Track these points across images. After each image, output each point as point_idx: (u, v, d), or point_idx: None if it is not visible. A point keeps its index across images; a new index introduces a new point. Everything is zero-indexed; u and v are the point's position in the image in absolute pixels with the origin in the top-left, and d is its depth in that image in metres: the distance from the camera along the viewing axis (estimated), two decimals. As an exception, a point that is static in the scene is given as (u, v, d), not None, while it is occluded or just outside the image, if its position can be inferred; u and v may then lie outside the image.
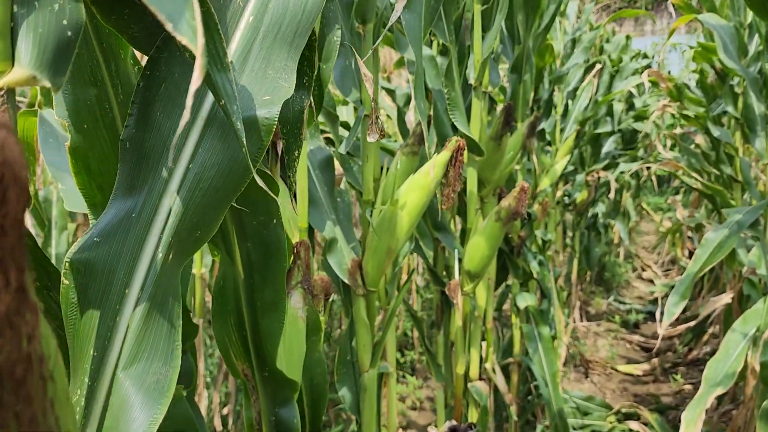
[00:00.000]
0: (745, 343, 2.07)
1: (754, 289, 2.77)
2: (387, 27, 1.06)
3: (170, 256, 0.63)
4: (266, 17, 0.68)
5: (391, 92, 2.47)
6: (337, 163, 1.69)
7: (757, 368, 2.01)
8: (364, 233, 1.37)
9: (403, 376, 4.44)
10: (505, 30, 2.92)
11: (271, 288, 0.86)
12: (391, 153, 2.06)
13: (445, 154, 1.32)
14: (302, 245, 1.05)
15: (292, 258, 1.05)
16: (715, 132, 3.55)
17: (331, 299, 1.34)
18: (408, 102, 2.52)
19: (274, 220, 0.83)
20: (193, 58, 0.46)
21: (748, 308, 3.45)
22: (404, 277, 3.93)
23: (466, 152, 1.42)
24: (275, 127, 0.65)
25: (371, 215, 1.35)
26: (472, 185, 1.65)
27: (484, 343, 2.58)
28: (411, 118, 1.91)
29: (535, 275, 3.11)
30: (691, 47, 4.86)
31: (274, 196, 0.73)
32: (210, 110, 0.66)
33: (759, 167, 4.08)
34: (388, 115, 2.97)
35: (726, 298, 2.97)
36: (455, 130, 2.55)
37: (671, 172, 3.86)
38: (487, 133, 1.93)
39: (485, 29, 1.63)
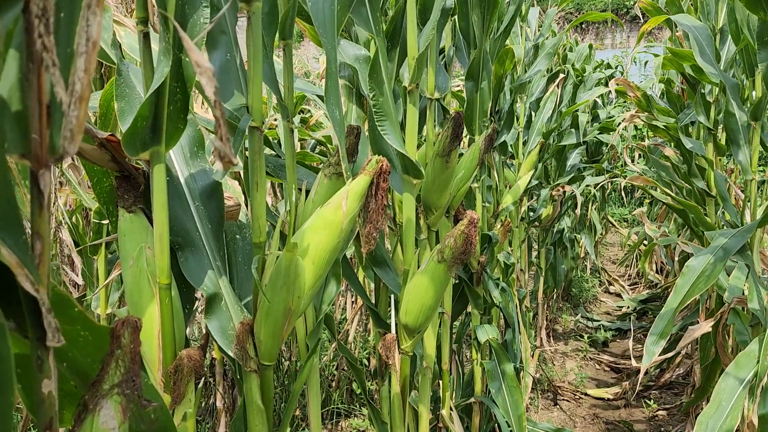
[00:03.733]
0: (741, 391, 1.77)
1: (738, 317, 2.49)
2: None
3: None
4: None
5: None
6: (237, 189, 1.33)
7: (756, 422, 1.71)
8: (255, 289, 1.01)
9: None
10: (460, 32, 2.61)
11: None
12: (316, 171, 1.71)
13: (360, 182, 0.97)
14: (127, 325, 0.68)
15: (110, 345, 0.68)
16: (688, 144, 3.30)
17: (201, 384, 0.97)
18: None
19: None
20: None
21: (731, 338, 3.19)
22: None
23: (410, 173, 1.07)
24: None
25: (261, 265, 1.00)
26: (408, 213, 1.30)
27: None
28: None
29: (497, 304, 2.78)
30: (656, 55, 4.65)
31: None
32: None
33: (733, 181, 3.85)
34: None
35: (705, 326, 2.69)
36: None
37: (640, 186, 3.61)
38: (433, 149, 1.59)
39: (423, 20, 1.29)
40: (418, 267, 1.35)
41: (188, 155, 1.13)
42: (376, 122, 1.20)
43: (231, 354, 1.01)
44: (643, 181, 3.27)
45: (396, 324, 1.56)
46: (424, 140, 1.69)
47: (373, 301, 1.89)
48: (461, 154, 2.24)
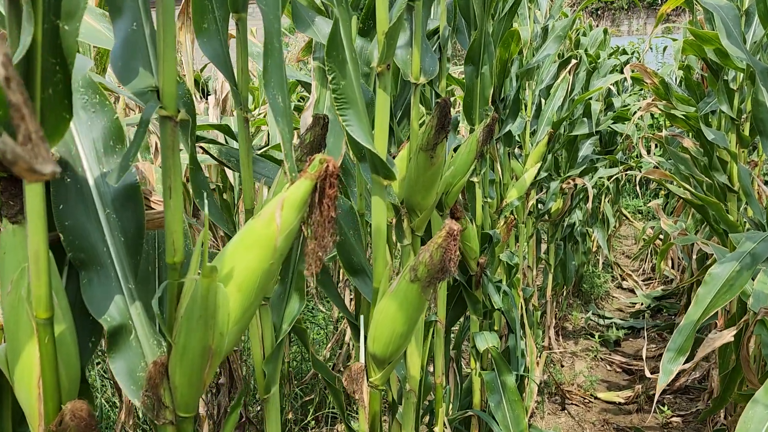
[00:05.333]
0: (771, 422, 1.54)
1: (764, 328, 2.26)
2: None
3: None
4: None
5: (306, 86, 1.89)
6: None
7: (787, 458, 1.49)
8: (169, 322, 0.80)
9: None
10: (459, 11, 2.37)
11: None
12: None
13: (300, 188, 0.76)
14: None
15: None
16: (709, 134, 3.04)
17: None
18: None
19: None
20: None
21: (755, 346, 2.95)
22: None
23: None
24: None
25: (177, 293, 0.79)
26: (378, 220, 1.08)
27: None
28: (308, 119, 1.35)
29: (498, 308, 2.56)
30: (675, 40, 4.37)
31: None
32: None
33: (757, 174, 3.59)
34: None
35: (727, 336, 2.45)
36: (390, 137, 1.99)
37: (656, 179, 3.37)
38: (417, 142, 1.37)
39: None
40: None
41: (101, 150, 0.92)
42: (336, 111, 0.98)
43: (137, 403, 0.80)
44: (659, 175, 3.03)
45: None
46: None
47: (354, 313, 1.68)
48: (458, 146, 2.01)
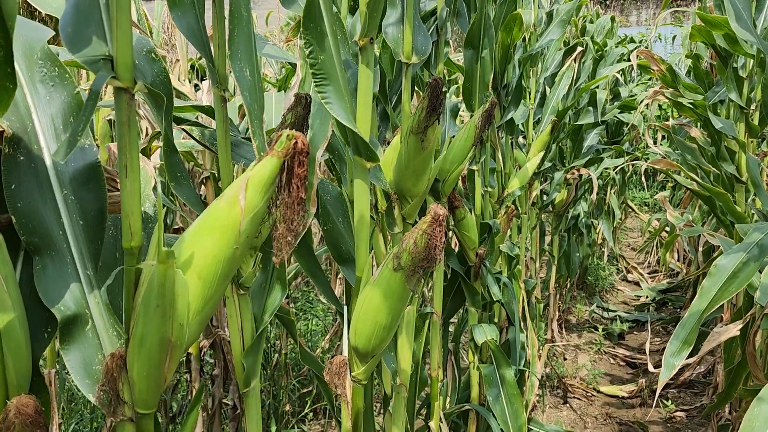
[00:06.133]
0: (777, 421, 1.48)
1: (771, 323, 2.18)
2: None
3: None
4: None
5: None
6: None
7: (794, 459, 1.42)
8: (127, 312, 0.74)
9: None
10: (459, -7, 2.29)
11: None
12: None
13: (266, 166, 0.69)
14: None
15: None
16: (717, 123, 2.95)
17: None
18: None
19: None
20: None
21: (761, 340, 2.88)
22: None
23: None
24: None
25: (134, 280, 0.73)
26: (361, 206, 1.01)
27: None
28: (291, 99, 1.27)
29: (498, 300, 2.50)
30: (682, 26, 4.26)
31: None
32: None
33: (766, 165, 3.50)
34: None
35: (733, 330, 2.38)
36: (385, 122, 1.92)
37: (664, 170, 3.29)
38: (407, 124, 1.31)
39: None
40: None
41: (60, 127, 0.86)
42: (315, 87, 0.92)
43: (92, 399, 0.74)
44: (665, 165, 2.95)
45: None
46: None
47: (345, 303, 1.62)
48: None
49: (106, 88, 0.73)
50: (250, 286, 1.15)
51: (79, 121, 0.68)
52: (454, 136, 1.91)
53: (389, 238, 1.83)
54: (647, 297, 6.49)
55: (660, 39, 9.50)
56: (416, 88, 2.36)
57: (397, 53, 1.33)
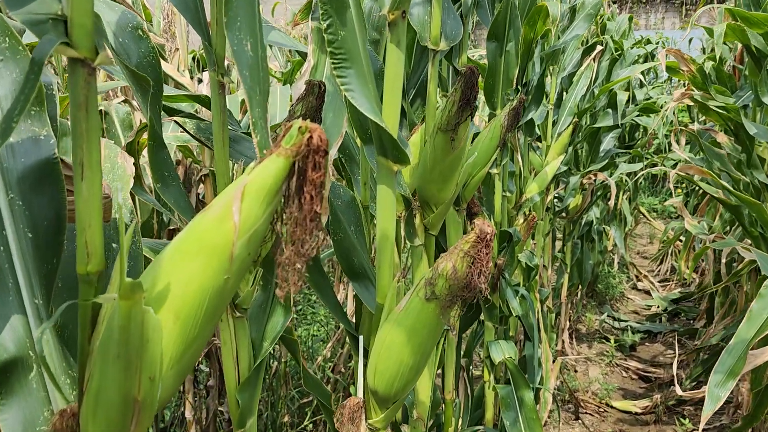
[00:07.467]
0: None
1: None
2: None
3: None
4: None
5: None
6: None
7: None
8: (81, 358, 0.56)
9: None
10: (483, -19, 2.11)
11: None
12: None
13: (269, 169, 0.51)
14: None
15: None
16: (751, 129, 2.77)
17: None
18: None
19: None
20: None
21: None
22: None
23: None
24: None
25: (91, 317, 0.55)
26: (384, 222, 0.82)
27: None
28: (301, 88, 1.09)
29: (516, 314, 2.32)
30: (707, 28, 4.07)
31: None
32: None
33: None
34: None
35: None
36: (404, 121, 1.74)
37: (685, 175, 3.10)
38: (435, 120, 1.12)
39: None
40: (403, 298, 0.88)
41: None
42: (333, 71, 0.73)
43: (31, 473, 0.56)
44: (696, 171, 2.76)
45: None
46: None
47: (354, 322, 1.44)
48: (477, 133, 1.76)
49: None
50: (248, 308, 0.97)
51: (17, 102, 0.50)
52: (476, 134, 1.73)
53: (402, 247, 1.64)
54: (659, 307, 6.29)
55: (674, 43, 9.30)
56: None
57: (424, 38, 1.14)
